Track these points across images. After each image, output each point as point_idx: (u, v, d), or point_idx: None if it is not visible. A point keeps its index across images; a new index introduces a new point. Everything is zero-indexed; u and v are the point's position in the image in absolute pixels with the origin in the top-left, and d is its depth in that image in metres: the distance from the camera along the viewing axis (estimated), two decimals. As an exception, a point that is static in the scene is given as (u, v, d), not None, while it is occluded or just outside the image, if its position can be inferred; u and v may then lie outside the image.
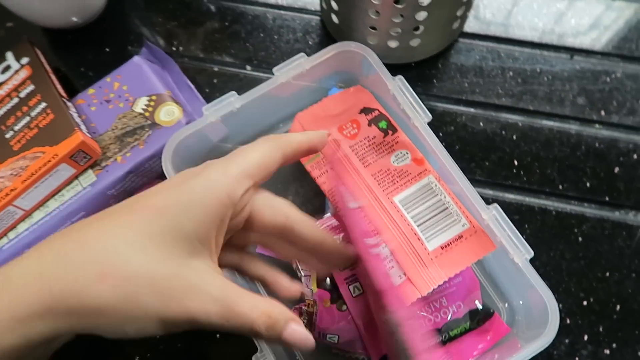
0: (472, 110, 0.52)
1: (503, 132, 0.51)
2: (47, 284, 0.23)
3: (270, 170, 0.30)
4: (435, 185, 0.41)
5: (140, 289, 0.23)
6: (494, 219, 0.39)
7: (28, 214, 0.45)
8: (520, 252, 0.38)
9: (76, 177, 0.46)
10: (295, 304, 0.42)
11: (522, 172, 0.49)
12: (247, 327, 0.25)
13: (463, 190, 0.39)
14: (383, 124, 0.43)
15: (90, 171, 0.47)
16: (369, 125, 0.43)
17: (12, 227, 0.45)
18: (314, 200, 0.47)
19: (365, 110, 0.44)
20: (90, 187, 0.46)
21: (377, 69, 0.42)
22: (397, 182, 0.41)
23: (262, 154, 0.29)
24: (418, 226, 0.40)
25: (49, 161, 0.44)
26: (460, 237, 0.39)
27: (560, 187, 0.48)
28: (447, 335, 0.41)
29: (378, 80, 0.43)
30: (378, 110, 0.44)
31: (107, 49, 0.56)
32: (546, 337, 0.36)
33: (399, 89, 0.41)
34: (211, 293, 0.25)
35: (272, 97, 0.43)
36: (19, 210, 0.44)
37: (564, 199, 0.48)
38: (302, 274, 0.41)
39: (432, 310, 0.41)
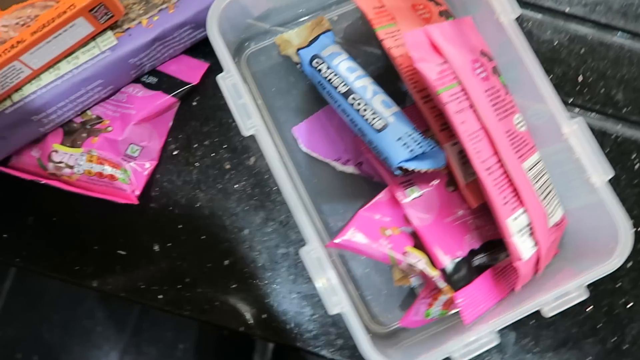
0: (539, 16, 0.47)
1: (570, 45, 0.46)
2: None
3: None
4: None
5: None
6: (575, 133, 0.36)
7: (36, 74, 0.38)
8: (599, 171, 0.35)
9: (94, 38, 0.39)
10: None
11: (585, 91, 0.45)
12: None
13: (547, 100, 0.35)
14: (502, 79, 0.36)
15: (110, 33, 0.40)
16: (494, 74, 0.36)
17: (17, 87, 0.38)
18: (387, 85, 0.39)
19: (487, 55, 0.36)
20: (109, 52, 0.39)
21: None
22: (520, 148, 0.35)
23: None
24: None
25: (64, 12, 0.36)
26: None
27: (624, 110, 0.45)
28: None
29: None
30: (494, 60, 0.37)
31: None
32: (619, 257, 0.34)
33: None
34: None
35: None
36: (25, 68, 0.37)
37: (626, 123, 0.45)
38: (417, 265, 0.37)
39: None
